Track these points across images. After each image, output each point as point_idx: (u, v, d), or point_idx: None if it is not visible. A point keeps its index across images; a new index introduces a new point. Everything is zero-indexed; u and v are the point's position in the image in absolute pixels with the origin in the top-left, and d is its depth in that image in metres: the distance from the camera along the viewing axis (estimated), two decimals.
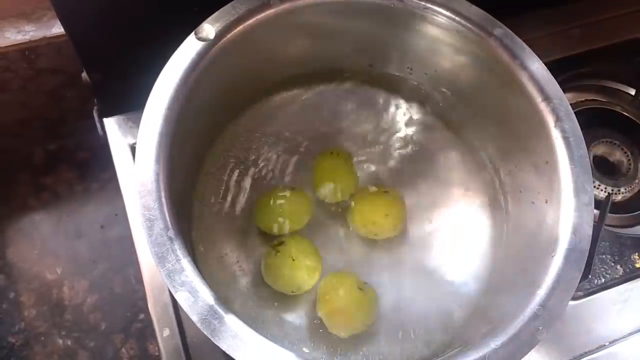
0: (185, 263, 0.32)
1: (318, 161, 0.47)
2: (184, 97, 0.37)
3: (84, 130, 0.62)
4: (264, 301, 0.43)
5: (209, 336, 0.30)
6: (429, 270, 0.45)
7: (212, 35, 0.39)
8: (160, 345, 0.43)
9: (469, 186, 0.49)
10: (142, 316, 0.62)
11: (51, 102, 0.63)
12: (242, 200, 0.46)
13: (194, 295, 0.31)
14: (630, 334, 0.47)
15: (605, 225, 0.51)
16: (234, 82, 0.44)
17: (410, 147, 0.50)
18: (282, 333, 0.42)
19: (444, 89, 0.49)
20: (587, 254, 0.36)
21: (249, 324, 0.32)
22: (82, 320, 0.63)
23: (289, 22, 0.42)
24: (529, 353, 0.33)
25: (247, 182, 0.47)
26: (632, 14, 0.62)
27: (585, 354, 0.46)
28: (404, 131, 0.51)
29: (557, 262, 0.36)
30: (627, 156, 0.57)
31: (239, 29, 0.40)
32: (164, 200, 0.34)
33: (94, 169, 0.66)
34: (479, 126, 0.48)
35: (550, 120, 0.39)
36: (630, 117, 0.58)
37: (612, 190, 0.55)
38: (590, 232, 0.36)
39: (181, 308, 0.43)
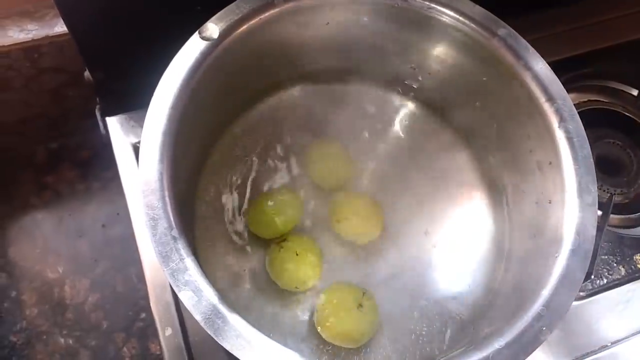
0: (189, 262, 0.32)
1: (312, 148, 0.48)
2: (187, 97, 0.37)
3: (86, 129, 0.62)
4: (266, 301, 0.43)
5: (213, 335, 0.30)
6: (431, 270, 0.45)
7: (216, 35, 0.39)
8: (163, 344, 0.43)
9: (471, 186, 0.49)
10: (143, 315, 0.62)
11: (54, 101, 0.63)
12: (244, 199, 0.46)
13: (198, 294, 0.31)
14: (633, 334, 0.47)
15: (608, 226, 0.51)
16: (237, 81, 0.44)
17: (412, 147, 0.50)
18: (284, 333, 0.42)
19: (447, 89, 0.49)
20: (590, 254, 0.36)
21: (251, 323, 0.32)
22: (84, 319, 0.63)
23: (292, 22, 0.42)
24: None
25: (249, 182, 0.47)
26: (635, 14, 0.62)
27: (588, 354, 0.46)
28: (407, 131, 0.51)
29: (560, 262, 0.35)
30: (630, 157, 0.57)
31: (242, 28, 0.40)
32: (167, 199, 0.34)
33: (96, 168, 0.66)
34: (482, 126, 0.48)
35: (554, 120, 0.39)
36: (633, 117, 0.58)
37: (615, 191, 0.55)
38: (594, 233, 0.36)
39: (183, 307, 0.44)
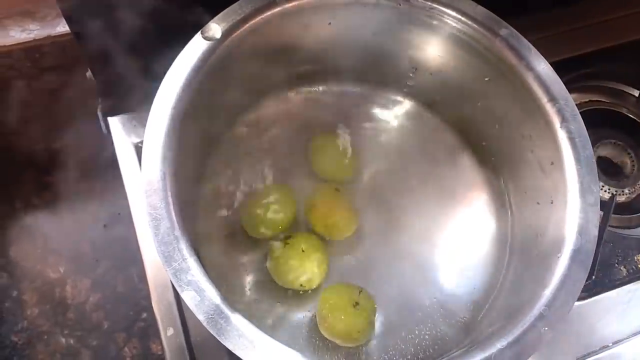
0: (192, 262, 0.32)
1: (315, 141, 0.48)
2: (190, 97, 0.37)
3: (88, 129, 0.62)
4: (268, 301, 0.43)
5: (216, 335, 0.30)
6: (434, 270, 0.45)
7: (218, 35, 0.39)
8: (164, 344, 0.43)
9: (473, 186, 0.49)
10: (144, 315, 0.62)
11: (55, 101, 0.63)
12: (245, 199, 0.46)
13: (200, 294, 0.31)
14: (634, 334, 0.47)
15: (609, 226, 0.51)
16: (240, 81, 0.44)
17: (414, 147, 0.50)
18: (286, 332, 0.42)
19: (448, 90, 0.49)
20: (592, 254, 0.36)
21: (253, 323, 0.32)
22: (85, 319, 0.62)
23: (294, 22, 0.42)
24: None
25: (251, 181, 0.47)
26: (637, 14, 0.62)
27: (589, 354, 0.46)
28: (408, 131, 0.51)
29: (562, 262, 0.36)
30: (631, 157, 0.57)
31: (245, 28, 0.40)
32: (170, 199, 0.34)
33: (97, 168, 0.66)
34: (484, 126, 0.48)
35: (556, 120, 0.39)
36: (634, 118, 0.58)
37: (616, 191, 0.55)
38: (596, 233, 0.36)
39: (185, 307, 0.44)
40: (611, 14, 0.61)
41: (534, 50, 0.41)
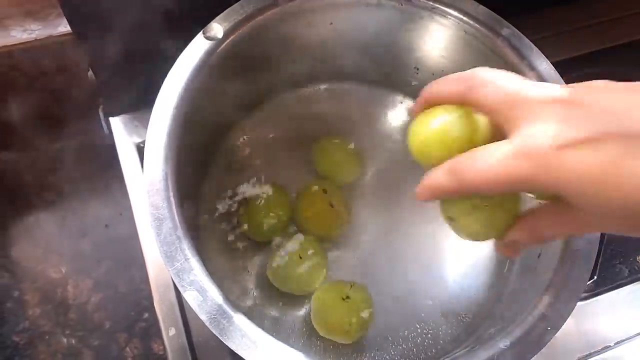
0: (194, 262, 0.32)
1: (318, 144, 0.48)
2: (192, 96, 0.37)
3: (89, 129, 0.62)
4: (269, 301, 0.43)
5: (218, 335, 0.30)
6: (436, 270, 0.45)
7: (220, 34, 0.39)
8: (166, 344, 0.43)
9: None
10: (146, 315, 0.62)
11: (57, 101, 0.63)
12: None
13: (203, 294, 0.31)
14: (636, 335, 0.47)
15: None
16: (242, 81, 0.44)
17: None
18: (288, 332, 0.42)
19: None
20: (595, 255, 0.36)
21: (255, 323, 0.31)
22: (86, 319, 0.63)
23: (296, 22, 0.42)
24: None
25: (253, 181, 0.47)
26: (639, 14, 0.62)
27: (590, 354, 0.46)
28: None
29: (565, 262, 0.35)
30: None
31: (246, 28, 0.40)
32: (172, 199, 0.34)
33: (98, 168, 0.66)
34: None
35: None
36: None
37: None
38: (599, 234, 0.36)
39: (187, 307, 0.44)
40: (613, 14, 0.61)
41: (535, 49, 0.41)
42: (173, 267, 0.32)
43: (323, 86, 0.51)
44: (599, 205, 0.21)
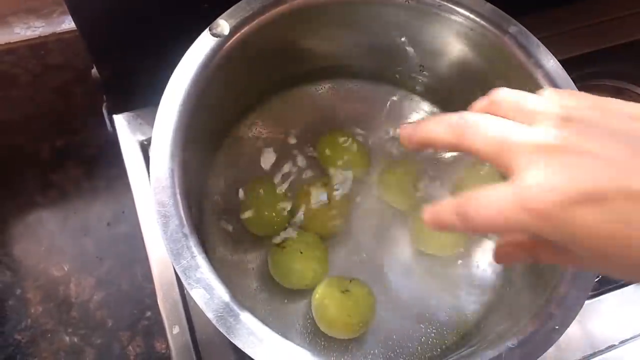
0: (201, 260, 0.32)
1: (326, 137, 0.47)
2: (198, 93, 0.37)
3: (93, 126, 0.62)
4: (273, 298, 0.43)
5: (225, 334, 0.30)
6: (442, 268, 0.45)
7: (226, 31, 0.38)
8: (170, 342, 0.43)
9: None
10: (149, 313, 0.62)
11: (60, 98, 0.63)
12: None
13: (210, 292, 0.31)
14: None
15: None
16: (247, 78, 0.44)
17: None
18: (293, 329, 0.42)
19: (456, 87, 0.48)
20: None
21: (260, 320, 0.31)
22: (89, 318, 0.62)
23: (302, 19, 0.42)
24: None
25: (256, 180, 0.47)
26: (639, 14, 0.61)
27: (595, 354, 0.46)
28: None
29: None
30: None
31: (253, 25, 0.39)
32: (178, 196, 0.34)
33: (101, 166, 0.66)
34: None
35: None
36: None
37: None
38: None
39: (191, 305, 0.44)
40: (617, 12, 0.61)
41: (542, 47, 0.41)
42: (179, 265, 0.32)
43: (328, 84, 0.51)
44: (605, 257, 0.21)
